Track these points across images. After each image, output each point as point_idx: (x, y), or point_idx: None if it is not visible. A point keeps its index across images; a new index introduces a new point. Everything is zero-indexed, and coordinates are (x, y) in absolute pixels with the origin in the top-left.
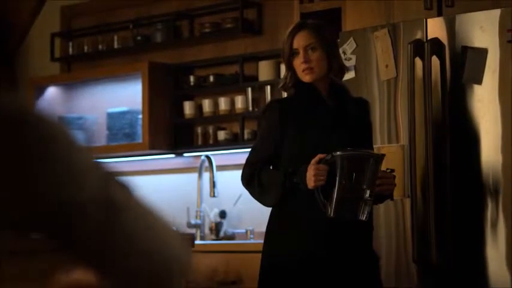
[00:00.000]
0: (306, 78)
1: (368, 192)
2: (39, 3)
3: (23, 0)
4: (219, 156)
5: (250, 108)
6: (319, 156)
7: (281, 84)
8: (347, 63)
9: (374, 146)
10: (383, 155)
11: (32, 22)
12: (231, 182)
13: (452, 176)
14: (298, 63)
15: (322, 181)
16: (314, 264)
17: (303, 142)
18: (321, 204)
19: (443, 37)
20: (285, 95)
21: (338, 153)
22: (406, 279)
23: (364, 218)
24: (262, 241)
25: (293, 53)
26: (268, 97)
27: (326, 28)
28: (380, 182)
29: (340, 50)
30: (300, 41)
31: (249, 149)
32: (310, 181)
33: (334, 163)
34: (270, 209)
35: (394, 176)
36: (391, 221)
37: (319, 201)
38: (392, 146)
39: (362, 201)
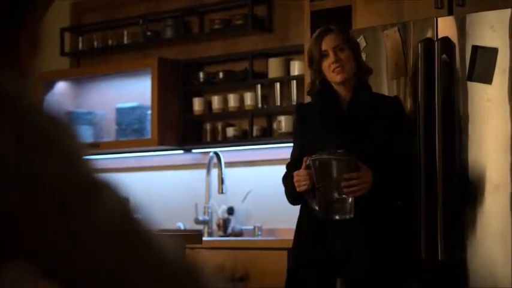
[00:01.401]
0: (337, 78)
1: (336, 193)
2: None
3: None
4: (227, 153)
5: (260, 105)
6: (304, 161)
7: (308, 89)
8: None
9: None
10: (347, 158)
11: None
12: (240, 179)
13: (461, 176)
14: (328, 64)
15: (304, 186)
16: (312, 264)
17: (312, 146)
18: (311, 208)
19: (453, 36)
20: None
21: (310, 158)
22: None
23: (348, 217)
24: (269, 238)
25: (323, 54)
26: (278, 94)
27: (348, 32)
28: (345, 184)
29: None
30: (328, 43)
31: (258, 146)
32: (295, 186)
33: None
34: (278, 206)
35: (365, 175)
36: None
37: (310, 204)
38: None
39: (340, 202)
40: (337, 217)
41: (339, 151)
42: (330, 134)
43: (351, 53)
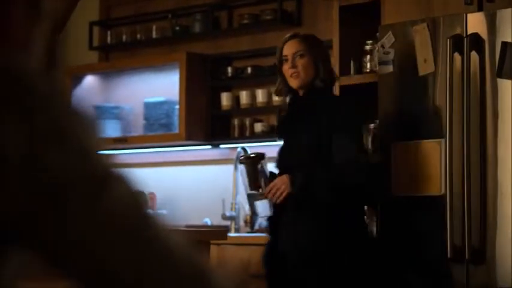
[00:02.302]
0: (293, 82)
1: (249, 191)
2: None
3: None
4: (255, 149)
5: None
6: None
7: (275, 90)
8: (385, 57)
9: (412, 141)
10: (248, 158)
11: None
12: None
13: (489, 173)
14: (287, 69)
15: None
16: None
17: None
18: None
19: (483, 32)
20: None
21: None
22: (442, 276)
23: (265, 214)
24: None
25: (283, 59)
26: None
27: (316, 39)
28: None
29: (379, 44)
30: (289, 49)
31: None
32: None
33: None
34: None
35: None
36: (428, 218)
37: None
38: (430, 141)
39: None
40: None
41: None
42: (279, 136)
43: (310, 59)
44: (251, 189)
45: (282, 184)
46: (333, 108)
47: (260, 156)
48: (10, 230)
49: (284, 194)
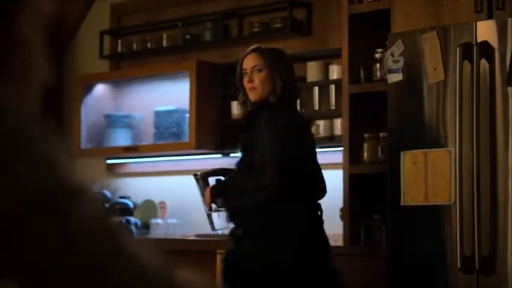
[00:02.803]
0: (251, 96)
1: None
2: (88, 1)
3: None
4: None
5: (298, 109)
6: None
7: (238, 101)
8: (394, 66)
9: (422, 149)
10: (198, 174)
11: (82, 19)
12: None
13: (500, 182)
14: (246, 82)
15: None
16: None
17: None
18: None
19: (493, 40)
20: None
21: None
22: (452, 286)
23: (214, 229)
24: None
25: (243, 73)
26: (316, 98)
27: (278, 53)
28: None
29: (388, 52)
30: (247, 63)
31: None
32: None
33: None
34: (327, 213)
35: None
36: (438, 228)
37: None
38: (439, 150)
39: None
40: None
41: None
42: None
43: (268, 74)
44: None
45: (208, 194)
46: (257, 126)
47: (212, 172)
48: None
49: (208, 204)
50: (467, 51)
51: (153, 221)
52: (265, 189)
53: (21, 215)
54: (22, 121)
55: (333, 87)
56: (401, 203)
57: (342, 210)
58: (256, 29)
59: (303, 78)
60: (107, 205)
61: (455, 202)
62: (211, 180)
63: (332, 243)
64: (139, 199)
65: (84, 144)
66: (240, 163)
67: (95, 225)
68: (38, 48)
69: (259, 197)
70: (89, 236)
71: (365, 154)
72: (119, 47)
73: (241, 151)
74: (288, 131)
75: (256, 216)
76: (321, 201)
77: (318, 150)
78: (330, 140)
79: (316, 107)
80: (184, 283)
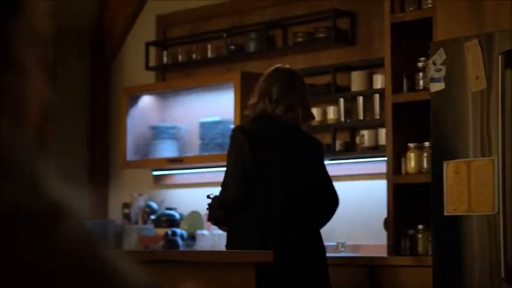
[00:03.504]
0: None
1: None
2: (134, 12)
3: (118, 10)
4: None
5: (343, 119)
6: None
7: None
8: (436, 74)
9: (464, 159)
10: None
11: (128, 31)
12: None
13: None
14: None
15: None
16: None
17: None
18: None
19: None
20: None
21: None
22: None
23: None
24: (353, 254)
25: None
26: (361, 108)
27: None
28: None
29: (430, 61)
30: None
31: (341, 161)
32: None
33: None
34: (361, 222)
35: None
36: (482, 238)
37: None
38: (482, 159)
39: None
40: None
41: None
42: None
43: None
44: None
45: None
46: None
47: None
48: None
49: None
50: (509, 59)
51: (199, 232)
52: (226, 203)
53: (6, 231)
54: (11, 144)
55: (377, 96)
56: (445, 213)
57: (385, 220)
58: (300, 39)
59: (347, 88)
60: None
61: (498, 212)
62: None
63: (376, 253)
64: (185, 210)
65: (130, 155)
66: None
67: (76, 243)
68: (35, 68)
69: (222, 211)
70: (70, 253)
71: (409, 164)
72: (165, 58)
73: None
74: (242, 145)
75: (225, 229)
76: (364, 211)
77: (363, 160)
78: (375, 150)
79: (361, 117)
80: None
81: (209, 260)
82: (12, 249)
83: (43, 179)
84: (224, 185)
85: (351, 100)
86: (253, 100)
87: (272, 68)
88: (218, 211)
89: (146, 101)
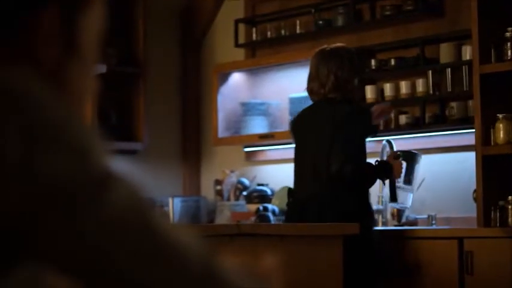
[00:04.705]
0: None
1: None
2: None
3: None
4: (400, 141)
5: (431, 92)
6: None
7: None
8: None
9: None
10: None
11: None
12: None
13: None
14: None
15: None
16: None
17: None
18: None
19: None
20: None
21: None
22: None
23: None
24: (445, 227)
25: None
26: (449, 80)
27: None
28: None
29: None
30: None
31: (431, 133)
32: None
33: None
34: (451, 195)
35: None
36: None
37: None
38: None
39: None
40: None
41: None
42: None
43: None
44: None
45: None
46: None
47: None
48: (12, 236)
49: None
50: None
51: None
52: None
53: (48, 206)
54: (52, 112)
55: (466, 68)
56: None
57: (475, 192)
58: (388, 12)
59: (436, 60)
60: (143, 195)
61: None
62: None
63: (466, 225)
64: (276, 186)
65: (221, 133)
66: None
67: (128, 213)
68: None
69: None
70: (123, 224)
71: (498, 135)
72: (254, 35)
73: None
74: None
75: None
76: (455, 184)
77: (453, 132)
78: (465, 122)
79: (449, 89)
80: (228, 271)
81: (292, 233)
82: (66, 216)
83: (91, 150)
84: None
85: (439, 72)
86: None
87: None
88: None
89: (236, 78)
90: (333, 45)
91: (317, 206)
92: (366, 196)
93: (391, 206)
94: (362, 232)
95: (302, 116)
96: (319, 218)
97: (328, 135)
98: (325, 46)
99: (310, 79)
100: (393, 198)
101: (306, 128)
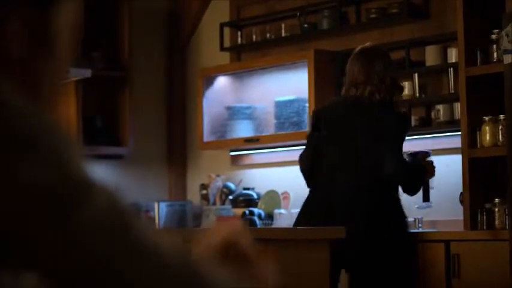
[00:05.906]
0: None
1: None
2: None
3: None
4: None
5: (417, 95)
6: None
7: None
8: (509, 46)
9: None
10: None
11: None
12: None
13: None
14: None
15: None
16: None
17: None
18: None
19: None
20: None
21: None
22: None
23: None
24: (431, 230)
25: None
26: (435, 83)
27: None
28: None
29: (503, 33)
30: None
31: (417, 136)
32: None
33: None
34: (438, 197)
35: None
36: None
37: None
38: None
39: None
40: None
41: None
42: None
43: None
44: None
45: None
46: None
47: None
48: None
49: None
50: None
51: (276, 211)
52: None
53: (28, 212)
54: (30, 120)
55: (451, 70)
56: None
57: (461, 194)
58: (373, 15)
59: (422, 63)
60: (122, 200)
61: None
62: None
63: (453, 228)
64: (262, 190)
65: (207, 137)
66: None
67: (107, 219)
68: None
69: None
70: (100, 230)
71: (484, 137)
72: (239, 39)
73: None
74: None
75: None
76: (441, 187)
77: (439, 135)
78: (451, 124)
79: (435, 92)
80: (207, 272)
81: (279, 237)
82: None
83: (70, 159)
84: None
85: (425, 75)
86: None
87: None
88: None
89: (222, 81)
90: (373, 45)
91: (347, 206)
92: (399, 199)
93: (419, 207)
94: (402, 236)
95: (333, 109)
96: (351, 217)
97: (375, 136)
98: (367, 44)
99: (354, 76)
100: (426, 198)
101: (343, 122)
